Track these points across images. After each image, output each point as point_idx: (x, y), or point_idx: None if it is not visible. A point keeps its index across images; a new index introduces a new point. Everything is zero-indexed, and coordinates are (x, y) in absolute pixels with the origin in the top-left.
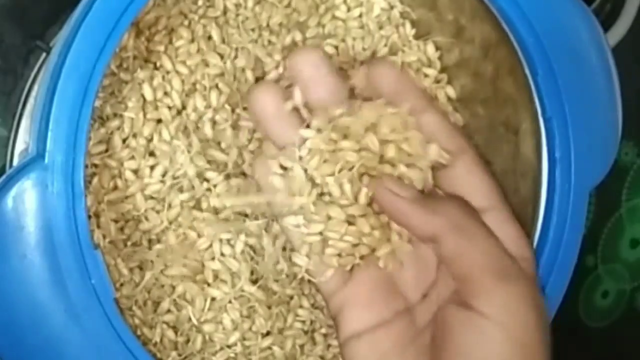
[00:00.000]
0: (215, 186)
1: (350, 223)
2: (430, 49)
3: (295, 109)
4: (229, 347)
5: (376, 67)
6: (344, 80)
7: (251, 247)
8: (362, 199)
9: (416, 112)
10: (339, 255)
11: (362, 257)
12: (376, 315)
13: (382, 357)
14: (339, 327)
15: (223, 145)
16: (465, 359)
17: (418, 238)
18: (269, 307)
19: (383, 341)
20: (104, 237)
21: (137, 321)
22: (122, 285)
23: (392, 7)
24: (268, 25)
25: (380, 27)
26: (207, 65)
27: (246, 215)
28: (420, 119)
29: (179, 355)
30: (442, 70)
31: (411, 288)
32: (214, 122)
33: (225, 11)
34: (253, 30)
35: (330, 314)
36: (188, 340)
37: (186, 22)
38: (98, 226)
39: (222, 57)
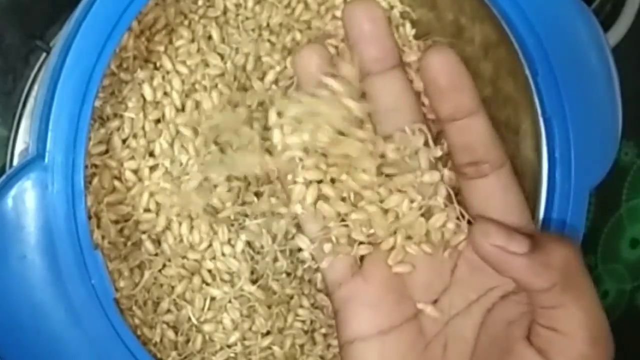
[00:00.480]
0: (215, 187)
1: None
2: None
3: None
4: (229, 346)
5: (433, 56)
6: (397, 44)
7: (251, 246)
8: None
9: (464, 112)
10: (334, 240)
11: (360, 244)
12: (384, 318)
13: None
14: (341, 324)
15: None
16: None
17: (522, 289)
18: (269, 307)
19: (391, 349)
20: (104, 237)
21: (137, 321)
22: (122, 285)
23: (392, 7)
24: (268, 25)
25: None
26: (207, 65)
27: (246, 215)
28: (466, 121)
29: (179, 355)
30: None
31: (421, 292)
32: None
33: (225, 11)
34: (253, 30)
35: (333, 307)
36: (188, 340)
37: (186, 22)
38: (98, 226)
39: (222, 57)
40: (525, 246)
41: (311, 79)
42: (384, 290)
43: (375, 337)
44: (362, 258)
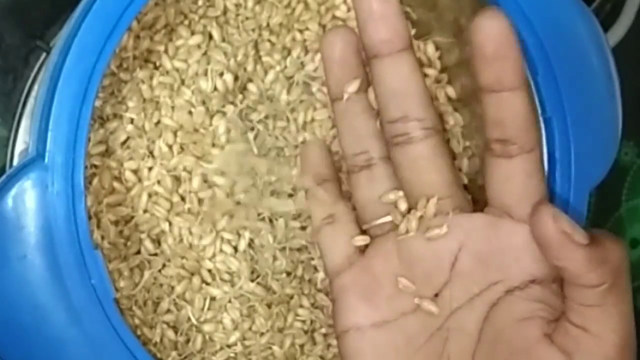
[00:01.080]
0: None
1: None
2: (430, 49)
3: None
4: (229, 346)
5: (485, 20)
6: (407, 26)
7: (251, 245)
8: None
9: (504, 85)
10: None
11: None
12: (379, 311)
13: (384, 358)
14: (337, 313)
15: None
16: None
17: (569, 280)
18: (269, 307)
19: (386, 342)
20: (104, 237)
21: (137, 321)
22: (122, 285)
23: None
24: (268, 25)
25: None
26: (208, 62)
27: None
28: (504, 95)
29: (179, 355)
30: (442, 70)
31: (421, 286)
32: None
33: (225, 11)
34: (253, 30)
35: (332, 295)
36: (188, 340)
37: (186, 22)
38: (98, 227)
39: (225, 54)
40: (586, 238)
41: (333, 64)
42: (382, 283)
43: (370, 329)
44: (365, 249)
